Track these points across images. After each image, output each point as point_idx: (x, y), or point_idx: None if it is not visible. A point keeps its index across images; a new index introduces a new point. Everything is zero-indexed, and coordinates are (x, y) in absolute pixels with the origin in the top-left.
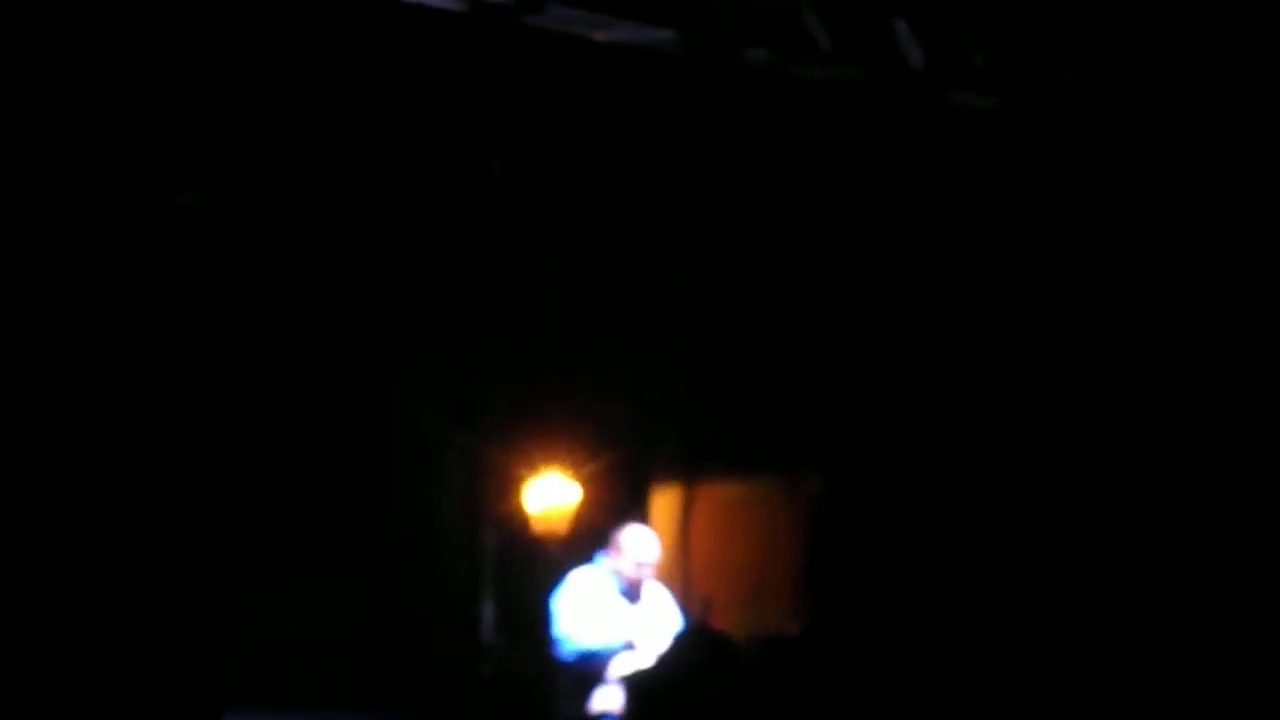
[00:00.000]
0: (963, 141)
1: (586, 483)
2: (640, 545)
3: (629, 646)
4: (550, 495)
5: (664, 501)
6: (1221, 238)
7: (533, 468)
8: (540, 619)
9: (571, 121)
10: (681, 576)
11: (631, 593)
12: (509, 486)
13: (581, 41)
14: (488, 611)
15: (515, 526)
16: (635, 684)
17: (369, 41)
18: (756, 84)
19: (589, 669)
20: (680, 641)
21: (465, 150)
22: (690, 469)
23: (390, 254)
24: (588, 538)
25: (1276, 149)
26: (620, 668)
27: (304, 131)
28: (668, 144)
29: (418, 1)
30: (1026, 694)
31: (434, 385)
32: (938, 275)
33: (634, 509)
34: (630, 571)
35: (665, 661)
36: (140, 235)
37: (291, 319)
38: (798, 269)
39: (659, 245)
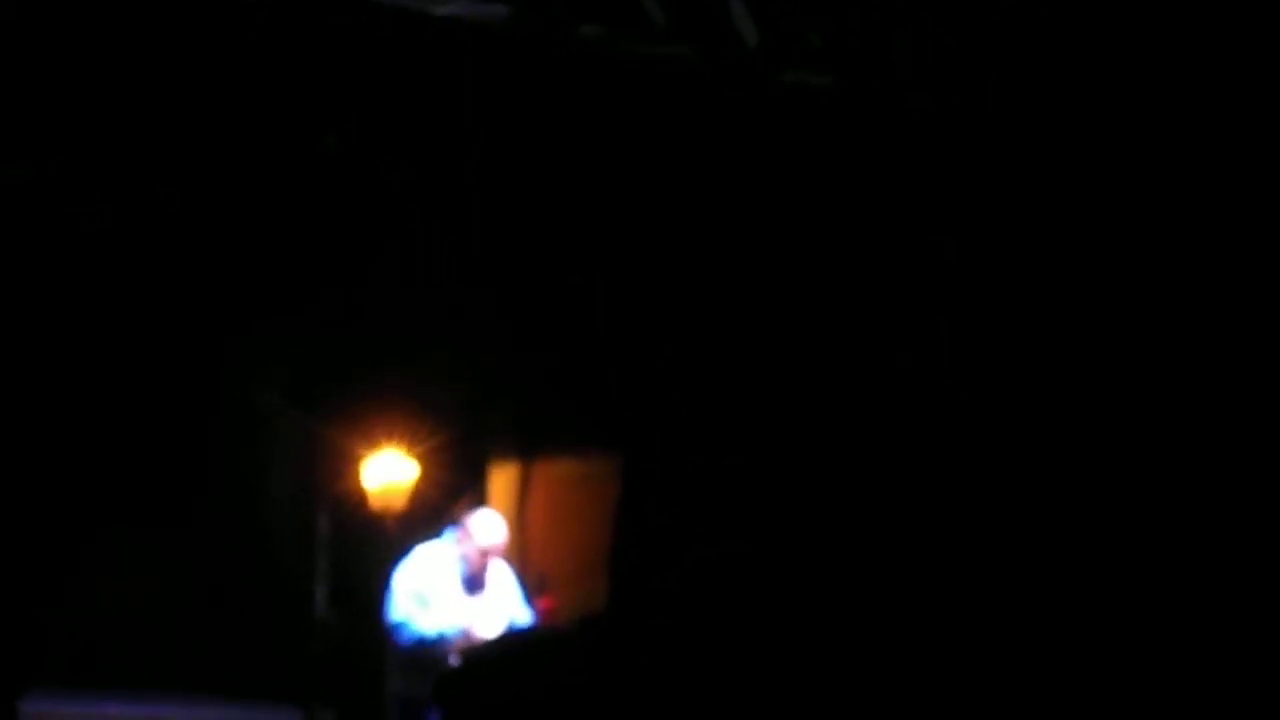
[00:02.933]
0: (796, 119)
1: (424, 460)
2: (487, 531)
3: (466, 634)
4: (388, 472)
5: (501, 479)
6: (1051, 214)
7: (370, 445)
8: (375, 597)
9: (406, 97)
10: (518, 553)
11: (474, 579)
12: (346, 464)
13: (418, 16)
14: (321, 590)
15: (351, 504)
16: (462, 669)
17: (202, 16)
18: (590, 61)
19: (425, 654)
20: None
21: (300, 125)
22: (526, 447)
23: (229, 230)
24: (426, 515)
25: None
26: (455, 654)
27: (135, 104)
28: (498, 122)
29: None
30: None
31: (270, 362)
32: (767, 254)
33: (472, 487)
34: (475, 557)
35: (490, 648)
36: None
37: (127, 291)
38: (628, 247)
39: (491, 222)
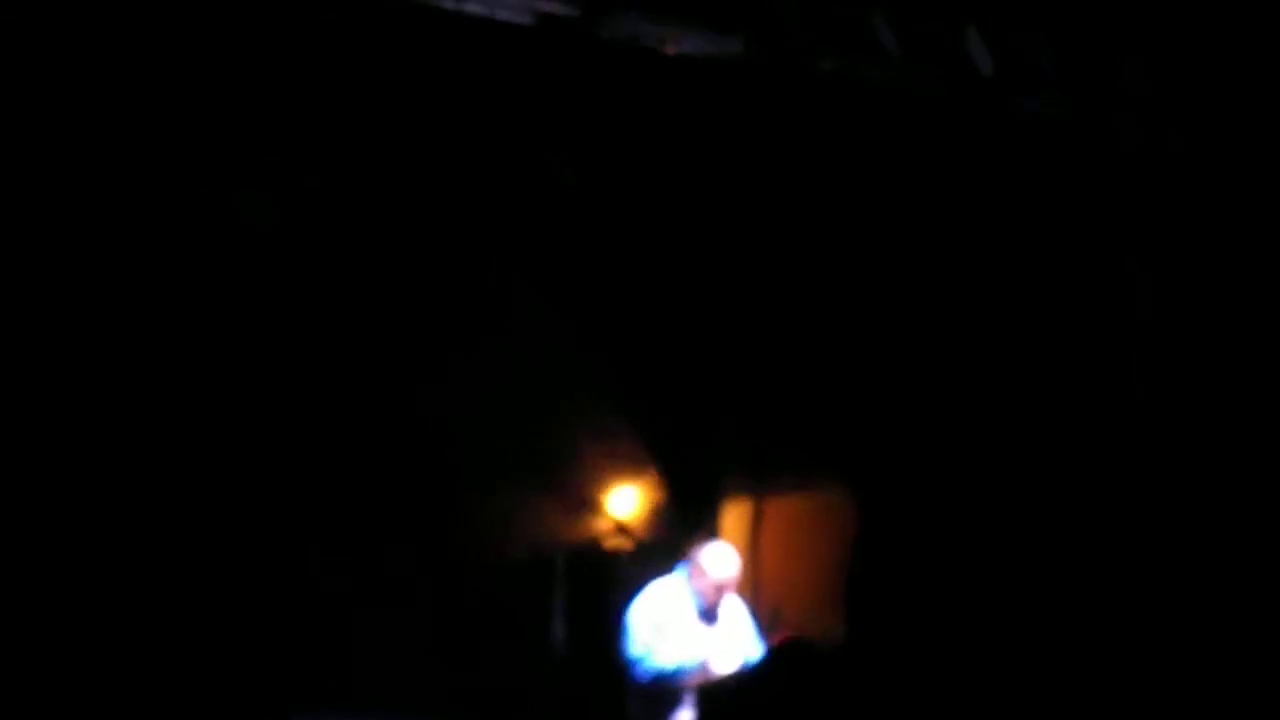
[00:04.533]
0: (1029, 147)
1: (658, 494)
2: (720, 565)
3: (704, 667)
4: (624, 507)
5: (734, 512)
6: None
7: (605, 481)
8: (612, 633)
9: (644, 133)
10: (751, 587)
11: (709, 612)
12: (582, 499)
13: (649, 53)
14: (559, 625)
15: (587, 538)
16: (708, 698)
17: (436, 52)
18: (825, 90)
19: (662, 687)
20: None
21: (538, 161)
22: (759, 480)
23: (471, 267)
24: (660, 549)
25: None
26: (694, 685)
27: (368, 143)
28: (737, 152)
29: (486, 15)
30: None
31: (510, 395)
32: (1000, 282)
33: (705, 520)
34: (709, 591)
35: (742, 677)
36: (200, 238)
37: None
38: (867, 279)
39: (724, 257)
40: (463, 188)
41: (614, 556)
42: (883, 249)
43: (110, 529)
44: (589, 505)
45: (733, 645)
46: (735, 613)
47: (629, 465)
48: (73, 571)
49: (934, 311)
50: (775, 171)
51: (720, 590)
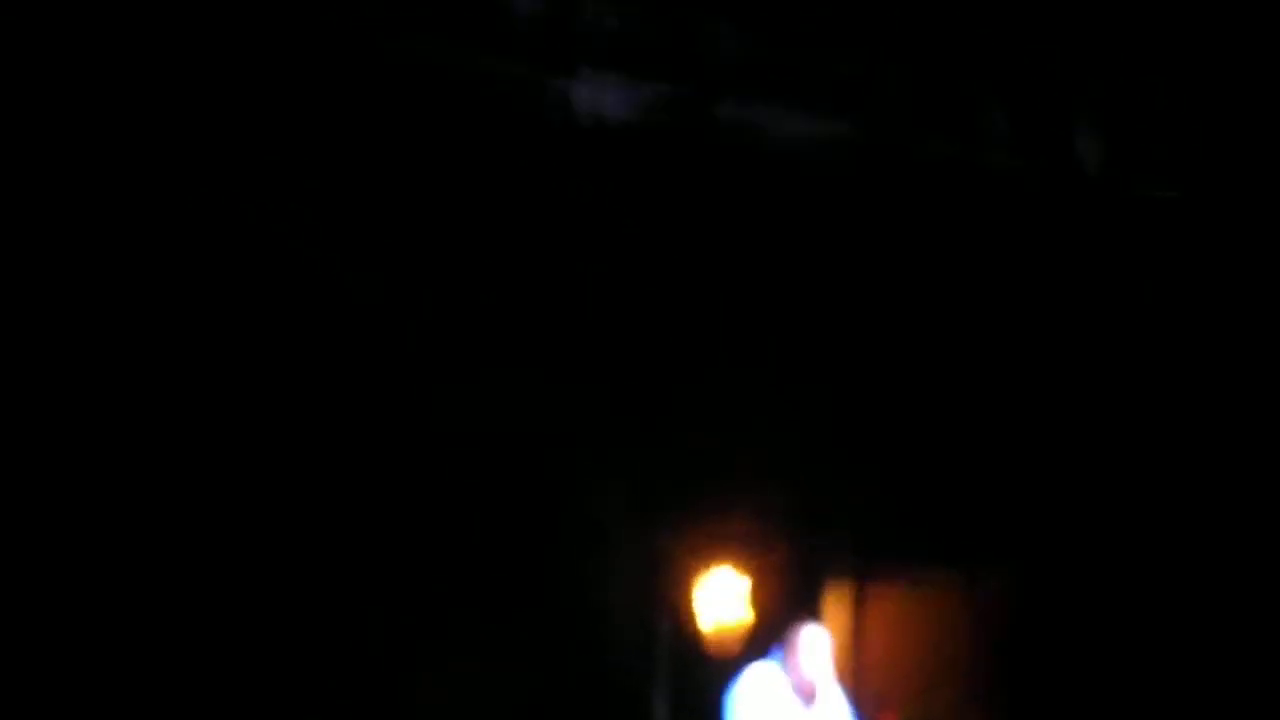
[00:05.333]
0: (1139, 233)
1: (760, 577)
2: (816, 647)
3: None
4: (724, 589)
5: (836, 597)
6: None
7: (707, 561)
8: (715, 715)
9: (750, 214)
10: (853, 673)
11: (806, 695)
12: (684, 579)
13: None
14: (661, 706)
15: (689, 619)
16: None
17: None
18: (935, 174)
19: None
20: None
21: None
22: (863, 562)
23: (569, 344)
24: (761, 632)
25: None
26: None
27: (484, 227)
28: (840, 234)
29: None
30: None
31: (612, 476)
32: (1107, 367)
33: (807, 604)
34: (805, 673)
35: None
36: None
37: (465, 406)
38: (972, 364)
39: (836, 339)
40: (566, 274)
41: (717, 638)
42: (982, 335)
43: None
44: (693, 587)
45: None
46: (834, 698)
47: (734, 546)
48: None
49: (1041, 399)
50: (879, 253)
51: (815, 671)
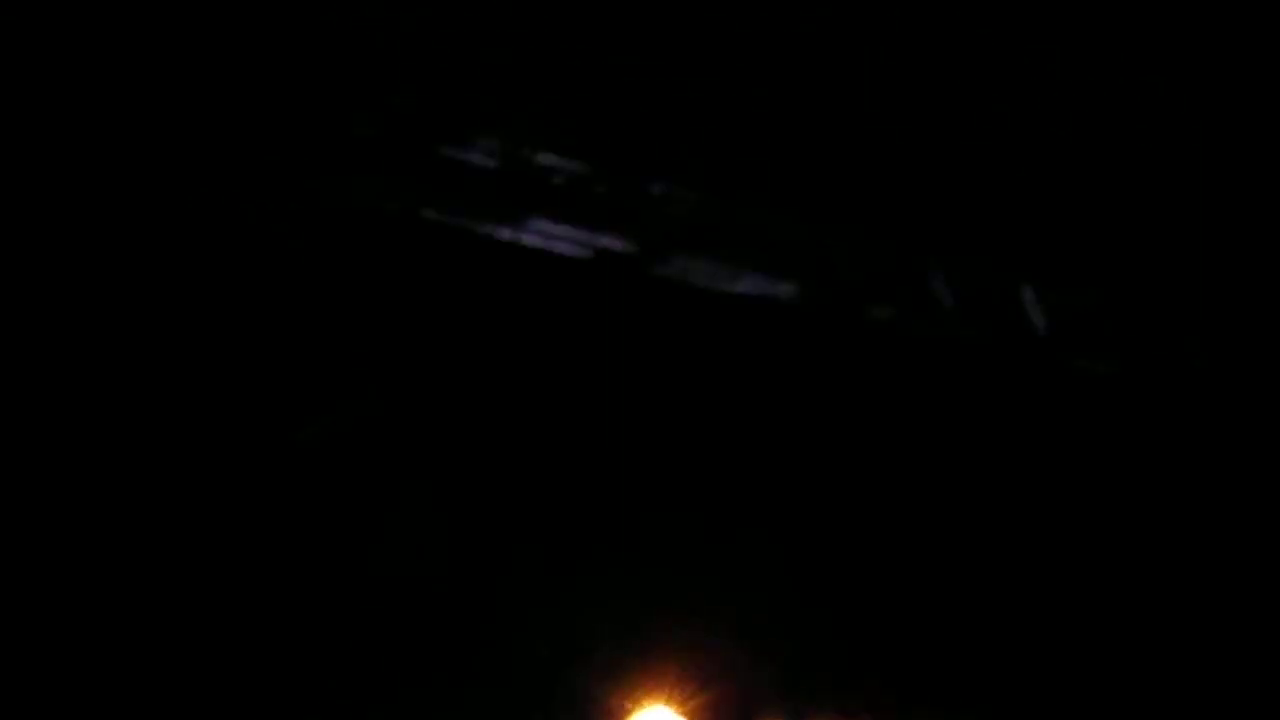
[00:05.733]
0: (1081, 406)
1: (692, 718)
2: None
3: None
4: None
5: None
6: None
7: (637, 702)
8: None
9: (683, 367)
10: None
11: None
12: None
13: (704, 293)
14: None
15: None
16: None
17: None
18: (877, 341)
19: None
20: None
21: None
22: (795, 708)
23: (501, 479)
24: None
25: None
26: None
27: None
28: (783, 396)
29: (541, 247)
30: None
31: (538, 618)
32: (1049, 540)
33: None
34: None
35: None
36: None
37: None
38: (911, 527)
39: (779, 487)
40: (506, 418)
41: None
42: (925, 497)
43: None
44: None
45: None
46: None
47: (664, 687)
48: None
49: (984, 560)
50: (825, 412)
51: None
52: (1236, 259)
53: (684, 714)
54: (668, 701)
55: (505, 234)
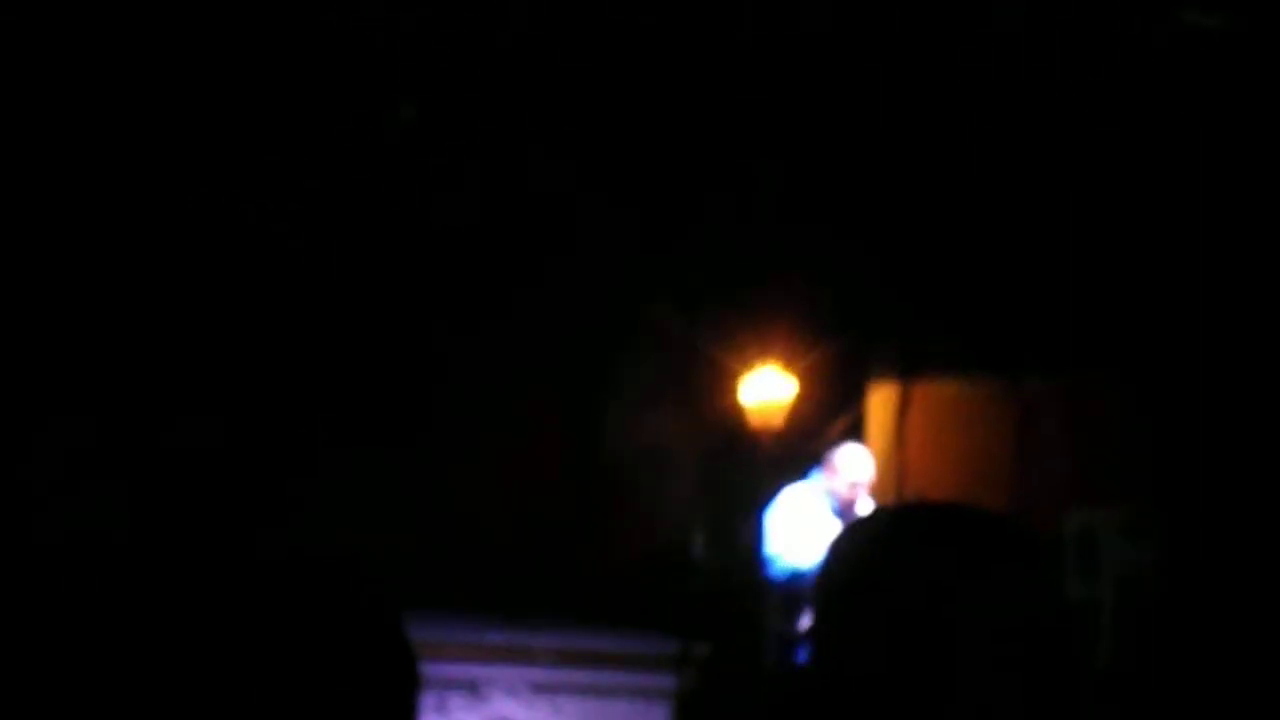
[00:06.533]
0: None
1: (803, 378)
2: (855, 465)
3: None
4: (766, 389)
5: (880, 398)
6: None
7: (748, 363)
8: (751, 532)
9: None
10: (896, 473)
11: (845, 512)
12: (725, 384)
13: None
14: (697, 525)
15: (727, 430)
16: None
17: None
18: None
19: (800, 588)
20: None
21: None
22: (907, 366)
23: (611, 154)
24: (804, 437)
25: None
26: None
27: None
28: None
29: None
30: None
31: (655, 278)
32: (1160, 192)
33: (850, 405)
34: (844, 491)
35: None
36: None
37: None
38: (1022, 178)
39: (876, 142)
40: None
41: (757, 444)
42: (1042, 145)
43: None
44: (730, 391)
45: None
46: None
47: (779, 345)
48: None
49: (1090, 218)
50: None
51: (854, 489)
52: None
53: (795, 373)
54: (778, 362)
55: None
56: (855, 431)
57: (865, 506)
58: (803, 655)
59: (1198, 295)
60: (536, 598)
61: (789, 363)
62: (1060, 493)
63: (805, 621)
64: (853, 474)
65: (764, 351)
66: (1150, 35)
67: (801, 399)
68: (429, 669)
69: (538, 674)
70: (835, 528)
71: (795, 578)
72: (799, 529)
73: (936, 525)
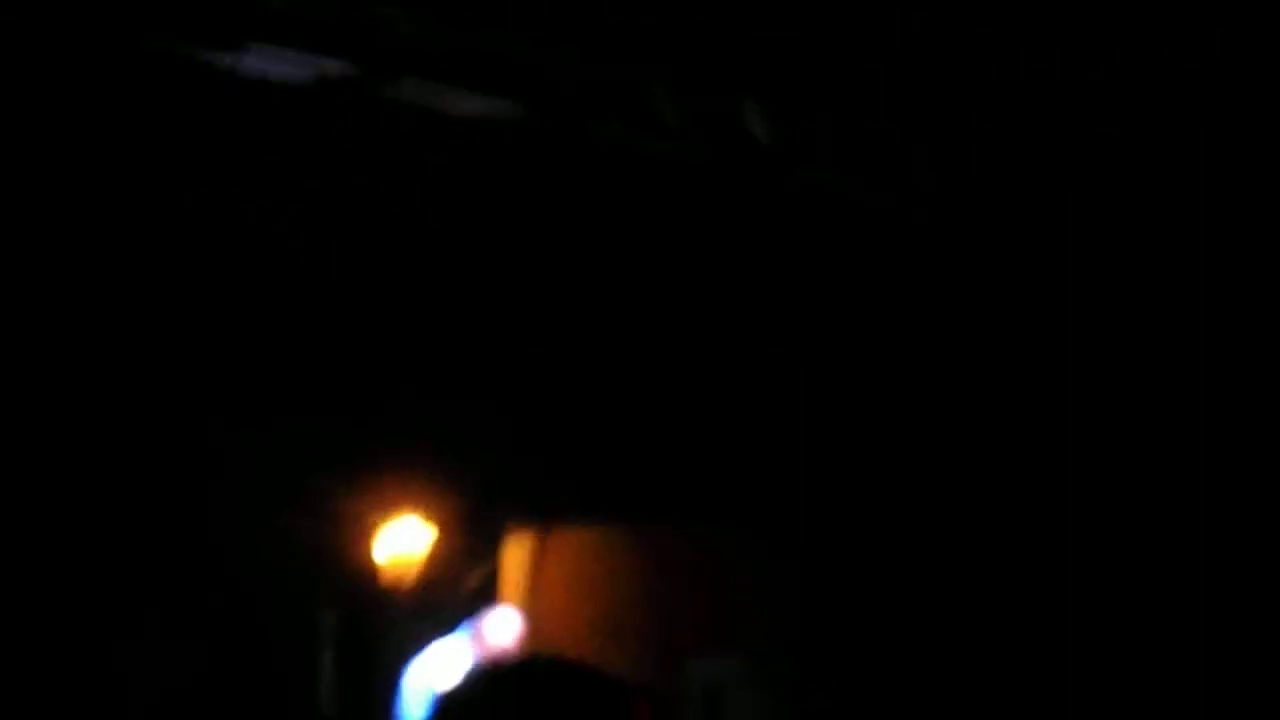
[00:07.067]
0: (809, 218)
1: (440, 530)
2: (501, 631)
3: None
4: (403, 543)
5: (516, 548)
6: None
7: (384, 515)
8: (387, 696)
9: (421, 193)
10: (532, 623)
11: None
12: (358, 537)
13: (431, 114)
14: (326, 686)
15: (363, 580)
16: None
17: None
18: (604, 158)
19: None
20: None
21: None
22: (543, 515)
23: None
24: (441, 589)
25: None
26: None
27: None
28: (512, 216)
29: (261, 76)
30: None
31: (280, 432)
32: (774, 347)
33: (487, 555)
34: (493, 652)
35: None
36: None
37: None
38: (651, 336)
39: (510, 300)
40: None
41: (390, 604)
42: (668, 308)
43: None
44: (361, 552)
45: None
46: None
47: (403, 507)
48: None
49: (711, 365)
50: (551, 233)
51: (502, 652)
52: (962, 76)
53: (432, 524)
54: (416, 512)
55: (225, 60)
56: (492, 583)
57: None
58: None
59: (816, 445)
60: None
61: (426, 514)
62: (690, 643)
63: None
64: (500, 639)
65: (401, 503)
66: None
67: (437, 550)
68: None
69: None
70: None
71: None
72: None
73: (523, 691)
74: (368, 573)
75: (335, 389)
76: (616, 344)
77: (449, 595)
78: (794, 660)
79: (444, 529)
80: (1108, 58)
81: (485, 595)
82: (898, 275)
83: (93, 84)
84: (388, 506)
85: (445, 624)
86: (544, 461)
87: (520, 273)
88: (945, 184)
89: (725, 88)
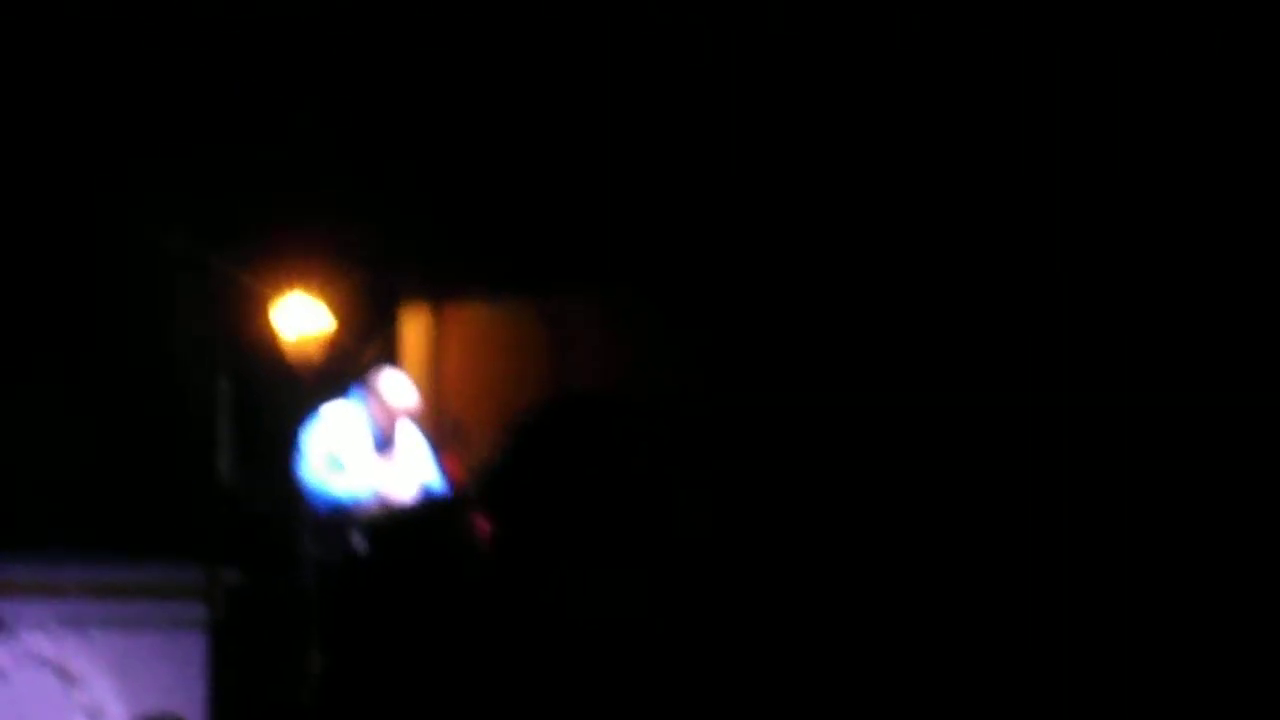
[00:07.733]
0: None
1: (335, 305)
2: (396, 391)
3: (379, 497)
4: (298, 318)
5: (414, 323)
6: None
7: (278, 289)
8: (287, 454)
9: None
10: (432, 399)
11: (384, 439)
12: (251, 312)
13: None
14: (225, 447)
15: (258, 355)
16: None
17: None
18: None
19: (337, 518)
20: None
21: None
22: (440, 289)
23: (130, 66)
24: (335, 363)
25: None
26: (369, 516)
27: None
28: None
29: None
30: None
31: (176, 205)
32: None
33: (383, 330)
34: (384, 418)
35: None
36: None
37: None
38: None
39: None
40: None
41: (289, 372)
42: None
43: None
44: (258, 318)
45: (409, 474)
46: (412, 440)
47: (309, 272)
48: None
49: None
50: None
51: (394, 417)
52: None
53: (326, 300)
54: (309, 289)
55: None
56: (389, 357)
57: (405, 433)
58: None
59: (724, 204)
60: (60, 533)
61: (320, 289)
62: None
63: (354, 544)
64: (394, 400)
65: (293, 278)
66: None
67: (334, 323)
68: None
69: (65, 608)
70: (375, 454)
71: (334, 505)
72: (338, 456)
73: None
74: (265, 344)
75: (228, 156)
76: (510, 111)
77: (346, 366)
78: None
79: (341, 302)
80: None
81: (382, 367)
82: None
83: None
84: (285, 280)
85: (342, 394)
86: (441, 234)
87: (408, 32)
88: None
89: None
